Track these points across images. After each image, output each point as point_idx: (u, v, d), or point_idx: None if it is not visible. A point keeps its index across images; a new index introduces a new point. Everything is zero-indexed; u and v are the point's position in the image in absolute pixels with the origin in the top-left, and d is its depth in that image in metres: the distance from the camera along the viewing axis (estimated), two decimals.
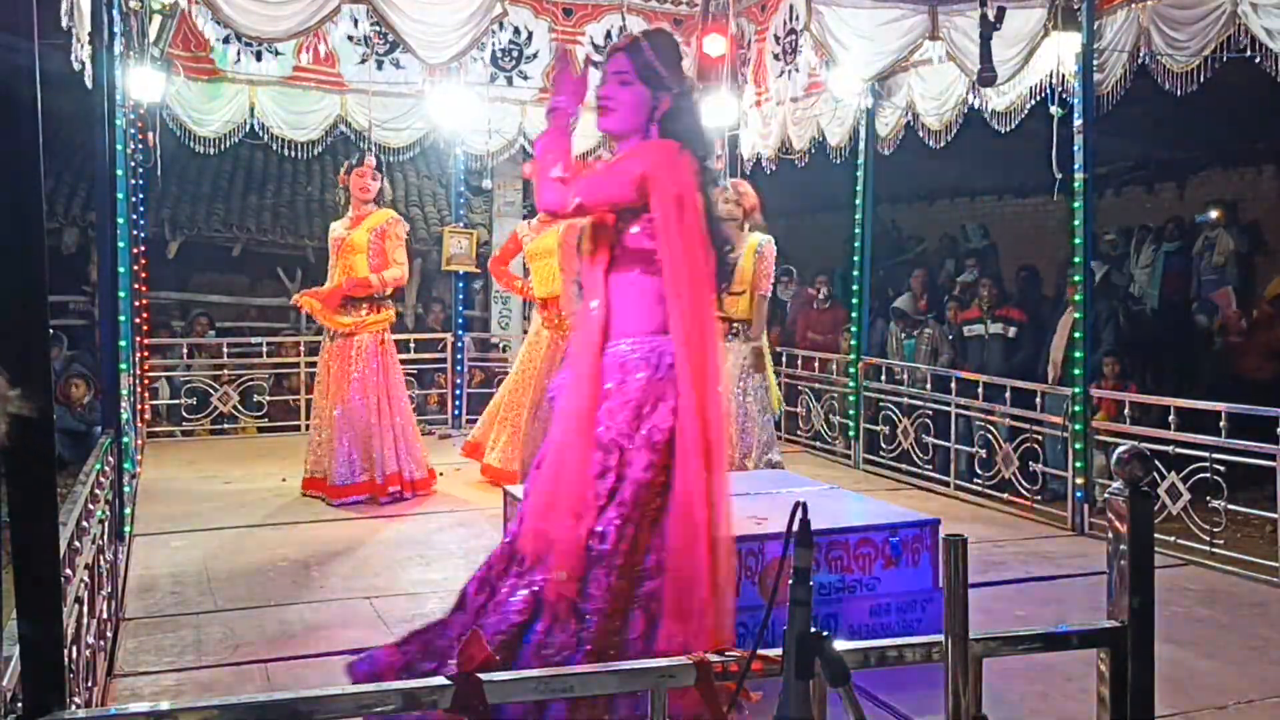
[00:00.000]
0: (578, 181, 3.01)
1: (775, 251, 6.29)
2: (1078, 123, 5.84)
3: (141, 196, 8.11)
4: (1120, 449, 2.04)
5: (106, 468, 4.35)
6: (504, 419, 6.75)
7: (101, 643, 3.47)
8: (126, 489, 5.63)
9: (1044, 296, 9.78)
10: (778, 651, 1.69)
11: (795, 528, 1.65)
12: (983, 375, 7.16)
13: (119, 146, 6.00)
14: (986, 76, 5.35)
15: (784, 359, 8.95)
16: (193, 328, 10.70)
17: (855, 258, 8.04)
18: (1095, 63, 5.81)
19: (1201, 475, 5.34)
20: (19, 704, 1.67)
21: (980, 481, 6.82)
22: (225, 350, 9.37)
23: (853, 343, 8.09)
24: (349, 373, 6.34)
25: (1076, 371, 6.01)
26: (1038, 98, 6.25)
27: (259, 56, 7.42)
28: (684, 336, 2.96)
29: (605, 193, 3.00)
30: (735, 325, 6.34)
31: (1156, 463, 5.40)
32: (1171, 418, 5.57)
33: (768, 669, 1.80)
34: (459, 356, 9.30)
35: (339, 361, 6.38)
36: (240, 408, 8.84)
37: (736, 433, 6.29)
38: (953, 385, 7.12)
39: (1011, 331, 8.77)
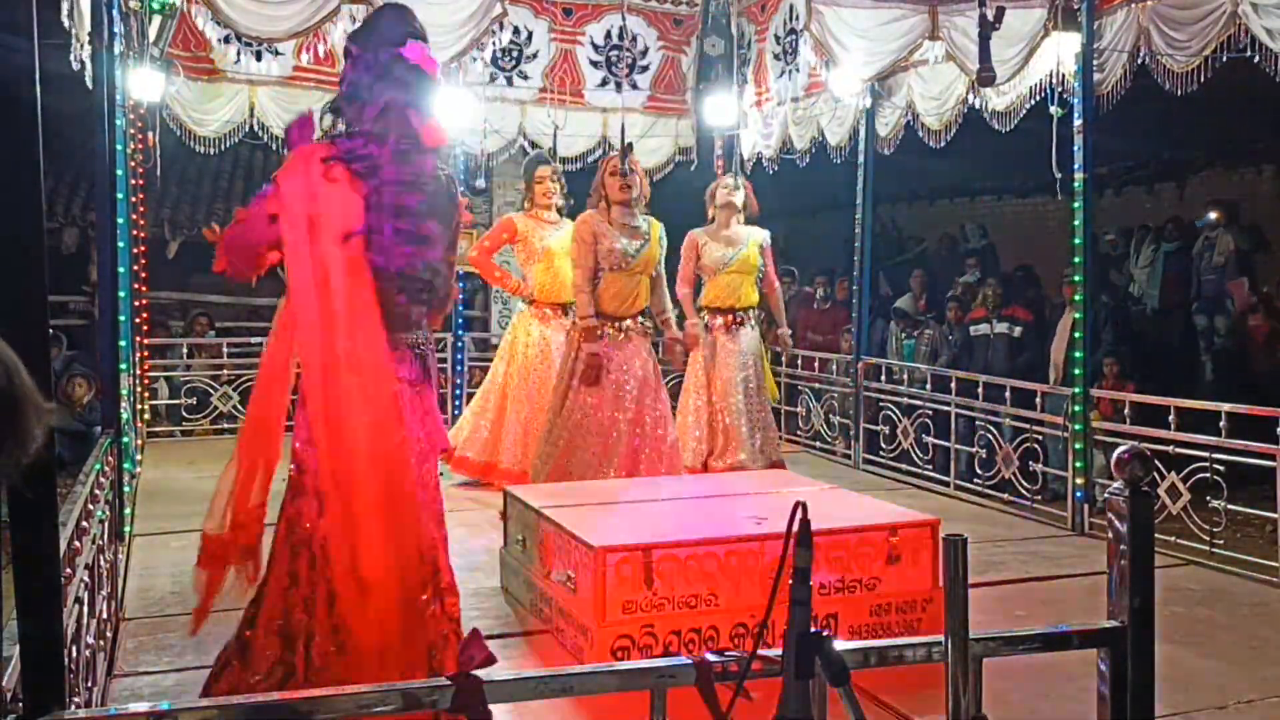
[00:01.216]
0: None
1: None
2: (1077, 123, 5.84)
3: (141, 196, 8.11)
4: (1120, 449, 2.04)
5: (106, 468, 4.35)
6: (503, 420, 6.67)
7: (101, 643, 3.46)
8: (126, 489, 5.63)
9: (1044, 296, 9.78)
10: (778, 651, 1.69)
11: (795, 528, 1.65)
12: (983, 375, 7.17)
13: (119, 146, 6.00)
14: (986, 76, 5.36)
15: (784, 359, 8.95)
16: (192, 328, 10.69)
17: (855, 258, 8.05)
18: (1095, 63, 5.80)
19: (1201, 475, 5.34)
20: (19, 703, 1.67)
21: (980, 481, 6.82)
22: (225, 350, 9.36)
23: (852, 343, 8.11)
24: None
25: (1076, 371, 6.01)
26: (1037, 98, 6.25)
27: (259, 56, 7.41)
28: (311, 372, 2.73)
29: (248, 241, 2.75)
30: (742, 313, 6.41)
31: (1156, 463, 5.40)
32: (1171, 418, 5.57)
33: (768, 669, 1.80)
34: (459, 356, 9.30)
35: None
36: (240, 408, 8.83)
37: (743, 418, 6.34)
38: (952, 385, 7.12)
39: (1017, 331, 8.77)
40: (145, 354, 8.29)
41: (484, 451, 6.67)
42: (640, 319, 5.56)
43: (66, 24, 4.87)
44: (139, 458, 7.12)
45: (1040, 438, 6.47)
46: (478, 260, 6.87)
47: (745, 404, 6.38)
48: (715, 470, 6.30)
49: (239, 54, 7.37)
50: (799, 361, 8.93)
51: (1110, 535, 2.05)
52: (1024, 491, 6.49)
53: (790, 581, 1.65)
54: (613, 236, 5.46)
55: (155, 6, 6.79)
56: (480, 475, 6.62)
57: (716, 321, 6.51)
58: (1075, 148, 5.85)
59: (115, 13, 5.76)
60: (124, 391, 5.91)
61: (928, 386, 7.39)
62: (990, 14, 5.12)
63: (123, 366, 5.87)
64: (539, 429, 6.31)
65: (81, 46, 5.15)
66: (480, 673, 1.82)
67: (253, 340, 9.70)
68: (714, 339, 6.49)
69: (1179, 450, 5.46)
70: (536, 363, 6.57)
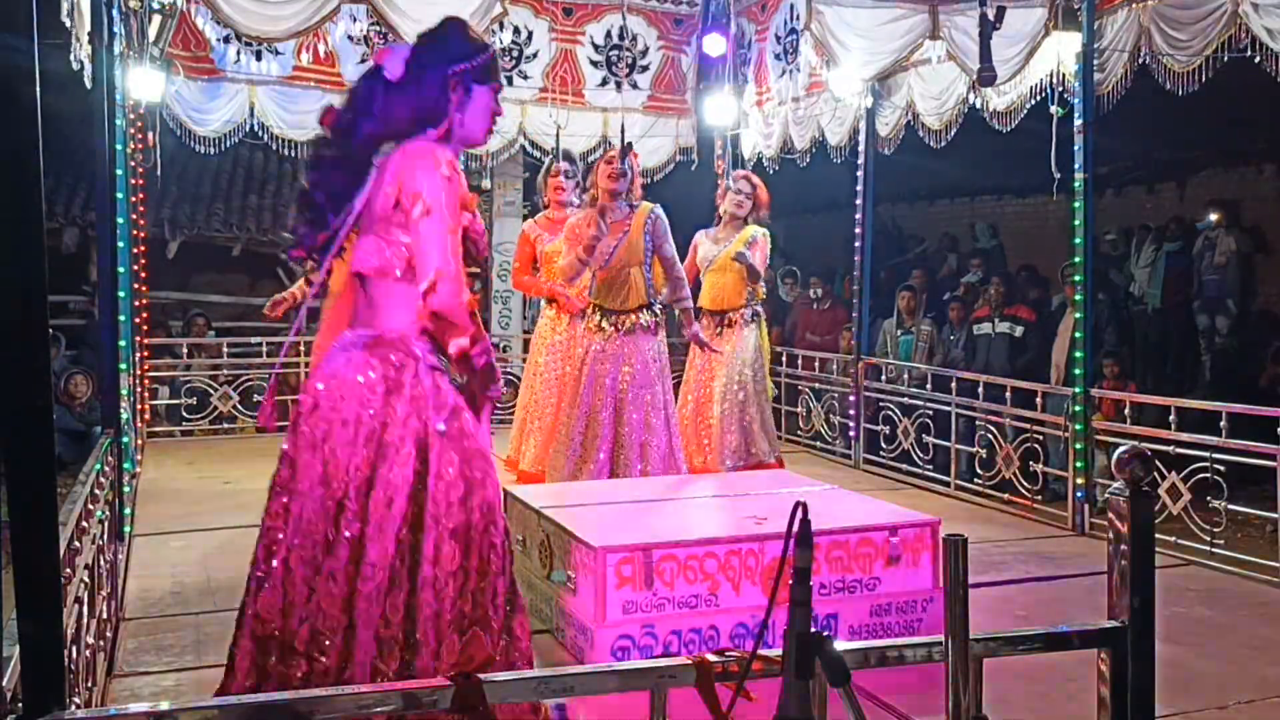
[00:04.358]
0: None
1: (769, 245, 6.39)
2: (1078, 122, 5.84)
3: (141, 196, 8.11)
4: (1121, 449, 2.04)
5: (106, 468, 4.35)
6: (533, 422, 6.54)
7: (101, 643, 3.47)
8: (126, 489, 5.63)
9: (1045, 296, 9.79)
10: (778, 651, 1.69)
11: (796, 528, 1.65)
12: (984, 375, 7.16)
13: (119, 146, 6.00)
14: (986, 76, 5.36)
15: (784, 359, 8.96)
16: (190, 328, 10.70)
17: (856, 258, 8.05)
18: (1096, 62, 5.80)
19: (1202, 475, 5.34)
20: (19, 704, 1.67)
21: (980, 481, 6.82)
22: (225, 350, 9.36)
23: (853, 342, 8.10)
24: None
25: (1077, 371, 6.01)
26: (1038, 97, 6.24)
27: (259, 56, 7.41)
28: None
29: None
30: (730, 314, 6.35)
31: (1157, 463, 5.40)
32: (1172, 418, 5.57)
33: (768, 669, 1.80)
34: None
35: None
36: (240, 408, 8.83)
37: (729, 425, 6.28)
38: (953, 385, 7.12)
39: (1018, 331, 8.76)
40: (145, 354, 8.29)
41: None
42: (643, 313, 5.43)
43: (66, 23, 4.86)
44: (139, 458, 7.12)
45: (1041, 438, 6.47)
46: (517, 285, 6.96)
47: (732, 410, 6.29)
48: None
49: (239, 53, 7.37)
50: (799, 361, 8.94)
51: (1110, 535, 2.05)
52: (1024, 491, 6.49)
53: (790, 581, 1.65)
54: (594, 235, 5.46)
55: (155, 6, 6.79)
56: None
57: (707, 325, 6.42)
58: (1076, 147, 5.85)
59: (115, 12, 5.76)
60: (124, 391, 5.90)
61: (928, 386, 7.39)
62: (991, 13, 5.12)
63: (122, 366, 5.87)
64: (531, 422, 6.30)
65: (81, 46, 5.14)
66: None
67: (252, 340, 9.71)
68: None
69: (1180, 450, 5.46)
70: (536, 356, 6.53)
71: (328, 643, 2.60)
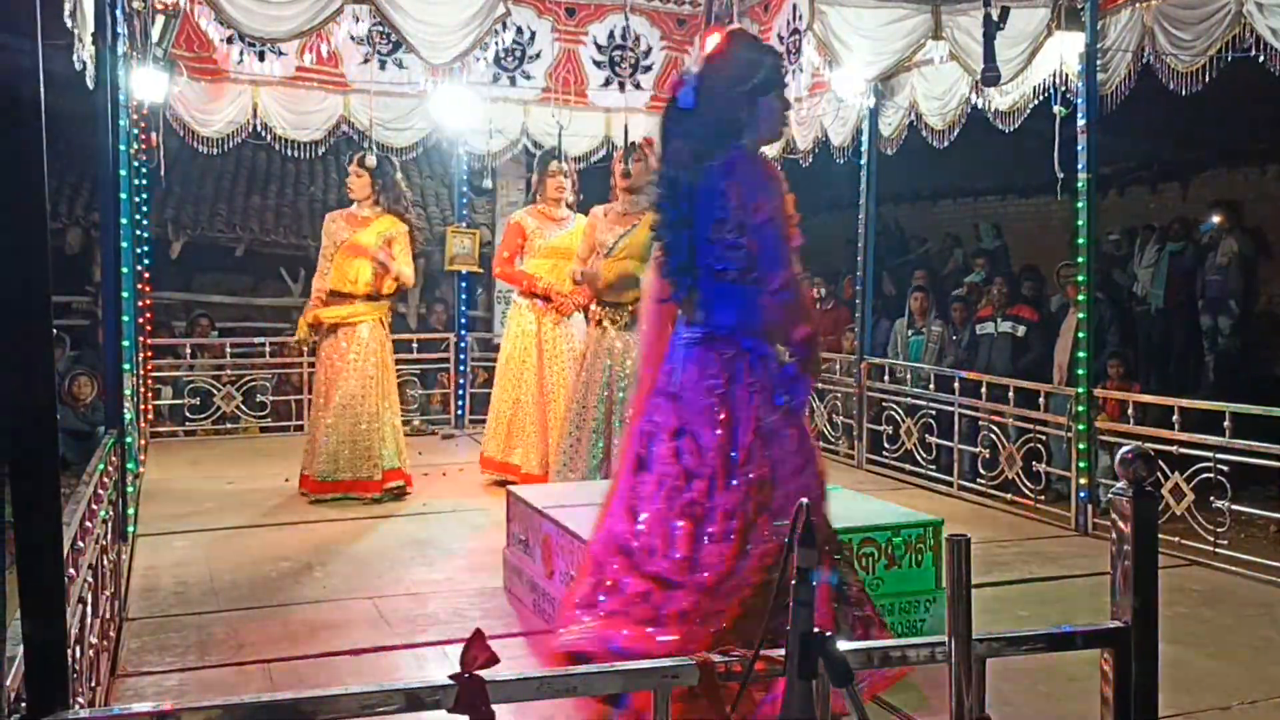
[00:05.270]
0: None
1: None
2: (1081, 122, 5.84)
3: (145, 197, 8.11)
4: (1124, 449, 2.04)
5: (110, 467, 4.35)
6: (521, 421, 6.53)
7: (105, 643, 3.47)
8: (130, 489, 5.63)
9: (1048, 296, 9.78)
10: (781, 651, 1.69)
11: (799, 528, 1.65)
12: (987, 375, 7.15)
13: (122, 147, 6.00)
14: (990, 76, 5.34)
15: None
16: (194, 329, 10.71)
17: (859, 258, 8.04)
18: (1099, 62, 5.80)
19: (1205, 475, 5.33)
20: (23, 704, 1.67)
21: (983, 482, 6.81)
22: (228, 350, 9.37)
23: (856, 343, 8.09)
24: (346, 364, 6.32)
25: (1080, 371, 6.01)
26: (1041, 97, 6.23)
27: (262, 57, 7.42)
28: None
29: None
30: None
31: (1160, 463, 5.40)
32: (1175, 418, 5.56)
33: (771, 669, 1.80)
34: (461, 356, 9.33)
35: (337, 353, 6.35)
36: (243, 408, 8.84)
37: None
38: (955, 386, 7.11)
39: (1020, 331, 8.75)
40: (149, 354, 8.29)
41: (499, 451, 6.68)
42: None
43: (69, 24, 4.85)
44: (142, 458, 7.12)
45: (1044, 438, 6.46)
46: (503, 275, 6.96)
47: None
48: None
49: (242, 54, 7.38)
50: None
51: (1114, 536, 2.05)
52: (1027, 492, 6.48)
53: (794, 582, 1.65)
54: (602, 226, 5.59)
55: (159, 6, 6.78)
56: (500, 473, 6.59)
57: None
58: (1079, 147, 5.84)
59: (118, 13, 5.76)
60: (127, 391, 5.91)
61: (931, 387, 7.38)
62: (995, 13, 5.11)
63: (126, 367, 5.87)
64: (526, 421, 6.35)
65: (84, 46, 5.14)
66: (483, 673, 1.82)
67: (255, 341, 9.72)
68: None
69: (1183, 450, 5.45)
70: (524, 354, 6.56)
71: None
